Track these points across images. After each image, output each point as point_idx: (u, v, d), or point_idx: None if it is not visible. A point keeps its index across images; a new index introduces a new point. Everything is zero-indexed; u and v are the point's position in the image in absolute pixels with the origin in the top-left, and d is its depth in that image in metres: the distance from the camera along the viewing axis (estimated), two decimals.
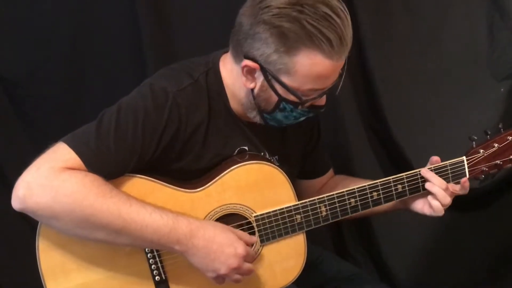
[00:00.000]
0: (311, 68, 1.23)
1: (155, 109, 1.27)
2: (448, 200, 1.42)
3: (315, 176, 1.65)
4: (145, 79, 1.36)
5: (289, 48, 1.21)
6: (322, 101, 1.34)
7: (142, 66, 1.80)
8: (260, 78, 1.29)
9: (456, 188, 1.45)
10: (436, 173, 1.44)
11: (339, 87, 1.32)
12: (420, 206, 1.48)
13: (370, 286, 1.58)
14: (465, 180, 1.45)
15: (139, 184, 1.29)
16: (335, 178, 1.68)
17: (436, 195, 1.42)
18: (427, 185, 1.44)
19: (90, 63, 1.81)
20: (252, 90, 1.31)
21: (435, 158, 1.47)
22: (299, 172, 1.59)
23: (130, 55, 1.83)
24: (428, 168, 1.45)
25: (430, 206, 1.44)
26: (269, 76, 1.26)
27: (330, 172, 1.69)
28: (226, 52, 1.38)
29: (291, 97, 1.28)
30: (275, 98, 1.29)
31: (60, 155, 1.21)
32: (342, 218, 1.43)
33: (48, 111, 1.81)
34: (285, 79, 1.25)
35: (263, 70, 1.26)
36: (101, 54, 1.81)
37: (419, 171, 1.45)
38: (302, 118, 1.37)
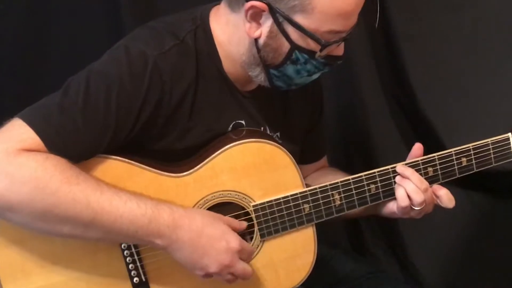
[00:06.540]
0: (332, 2, 1.20)
1: (132, 77, 1.22)
2: (421, 197, 1.35)
3: (310, 161, 1.62)
4: (120, 40, 1.31)
5: None
6: (340, 50, 1.30)
7: (116, 21, 1.78)
8: (267, 22, 1.25)
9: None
10: (477, 154, 1.40)
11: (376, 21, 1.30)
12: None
13: (391, 287, 1.55)
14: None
15: (114, 167, 1.26)
16: (325, 170, 1.64)
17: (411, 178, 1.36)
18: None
19: (53, 18, 1.77)
20: (257, 40, 1.27)
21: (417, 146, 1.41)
22: None
23: (101, 9, 1.80)
24: (467, 147, 1.40)
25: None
26: (280, 17, 1.22)
27: (324, 160, 1.66)
28: (217, 4, 1.34)
29: (308, 43, 1.24)
30: (286, 46, 1.26)
31: (16, 134, 1.16)
32: (360, 208, 1.39)
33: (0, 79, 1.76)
34: (300, 19, 1.22)
35: (273, 11, 1.22)
36: (66, 7, 1.76)
37: (453, 151, 1.40)
38: (316, 75, 1.33)
